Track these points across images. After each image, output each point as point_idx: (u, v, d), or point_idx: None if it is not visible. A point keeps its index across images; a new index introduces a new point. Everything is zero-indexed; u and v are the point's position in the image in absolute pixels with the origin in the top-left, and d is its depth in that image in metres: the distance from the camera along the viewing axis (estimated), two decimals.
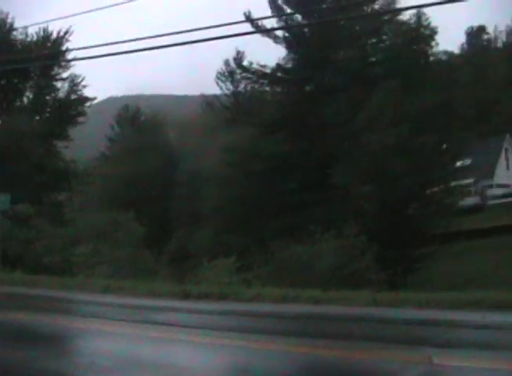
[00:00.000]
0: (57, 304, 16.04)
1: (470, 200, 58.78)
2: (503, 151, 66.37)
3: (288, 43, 46.83)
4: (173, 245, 47.24)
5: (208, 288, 16.64)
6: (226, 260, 23.69)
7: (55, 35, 44.55)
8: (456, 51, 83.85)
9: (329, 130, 40.99)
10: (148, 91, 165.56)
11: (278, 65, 47.13)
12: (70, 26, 44.54)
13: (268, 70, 47.34)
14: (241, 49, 62.67)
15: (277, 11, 45.27)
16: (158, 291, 17.19)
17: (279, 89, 50.15)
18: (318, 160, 40.84)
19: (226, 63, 68.80)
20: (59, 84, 46.75)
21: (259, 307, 14.03)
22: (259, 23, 40.83)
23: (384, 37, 47.31)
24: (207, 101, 73.28)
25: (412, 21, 46.16)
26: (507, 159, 66.99)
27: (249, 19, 39.42)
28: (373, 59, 47.84)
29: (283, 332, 10.78)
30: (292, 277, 22.01)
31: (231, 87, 69.25)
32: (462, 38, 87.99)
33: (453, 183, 42.57)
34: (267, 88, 51.98)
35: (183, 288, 16.80)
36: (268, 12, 45.30)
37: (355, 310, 12.58)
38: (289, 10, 46.64)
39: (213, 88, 73.47)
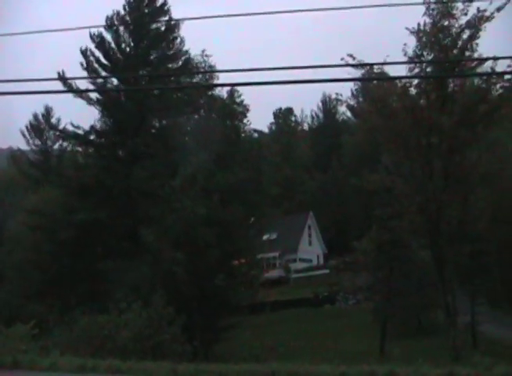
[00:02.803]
0: None
1: (275, 273, 61.18)
2: (306, 227, 70.09)
3: (102, 106, 45.72)
4: None
5: (1, 356, 15.56)
6: (24, 326, 22.23)
7: None
8: (265, 130, 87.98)
9: (141, 195, 40.68)
10: None
11: (91, 127, 45.39)
12: None
13: (80, 132, 45.44)
14: (55, 106, 60.93)
15: (92, 73, 44.45)
16: None
17: (91, 151, 47.91)
18: (127, 226, 40.25)
19: (35, 117, 66.23)
20: None
21: None
22: (73, 83, 40.13)
23: (200, 110, 48.66)
24: (15, 156, 68.26)
25: (226, 98, 48.13)
26: (310, 235, 70.78)
27: (62, 78, 37.95)
28: (188, 128, 48.83)
29: None
30: (94, 347, 21.22)
31: (39, 142, 66.44)
32: (270, 118, 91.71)
33: (259, 256, 44.08)
34: (79, 149, 50.25)
35: None
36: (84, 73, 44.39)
37: None
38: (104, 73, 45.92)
39: (23, 142, 68.18)
